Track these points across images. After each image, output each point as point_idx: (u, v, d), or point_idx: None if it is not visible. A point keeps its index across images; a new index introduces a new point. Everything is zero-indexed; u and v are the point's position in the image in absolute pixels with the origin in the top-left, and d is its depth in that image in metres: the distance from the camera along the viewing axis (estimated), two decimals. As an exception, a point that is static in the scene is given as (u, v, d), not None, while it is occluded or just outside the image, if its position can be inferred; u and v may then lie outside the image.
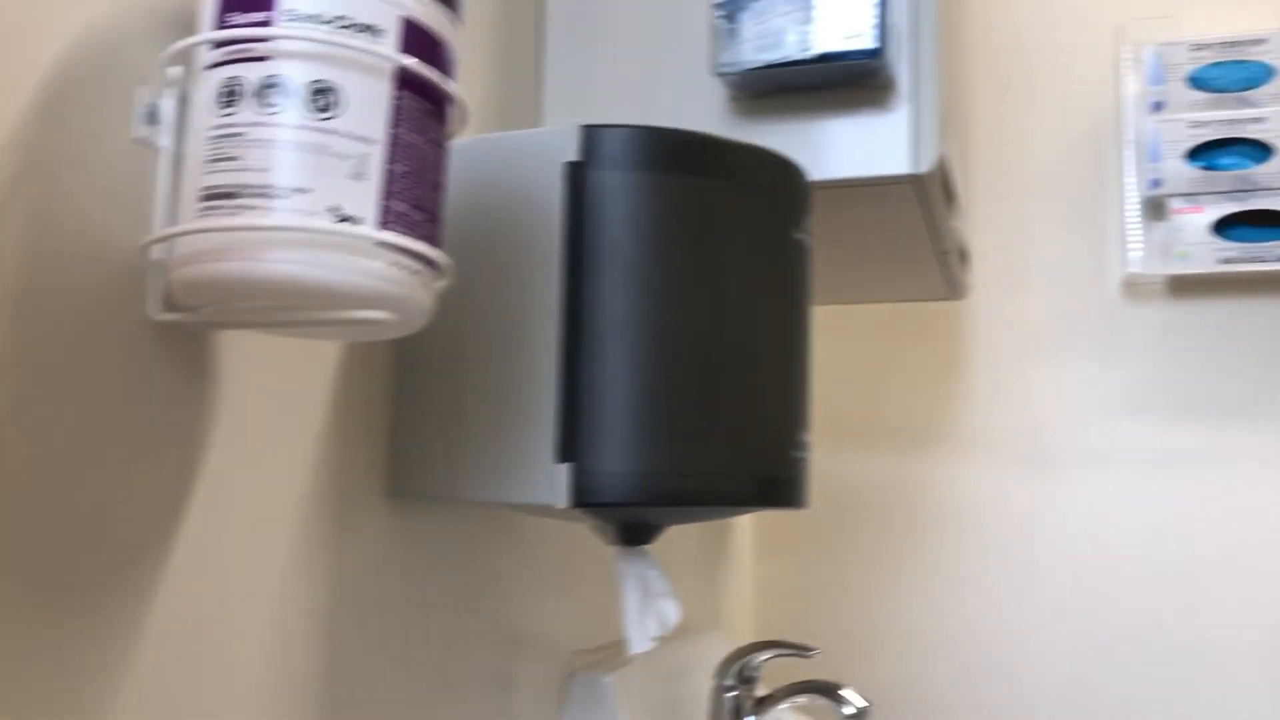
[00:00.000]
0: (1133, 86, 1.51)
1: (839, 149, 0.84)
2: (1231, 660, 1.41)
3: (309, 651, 0.63)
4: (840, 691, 1.06)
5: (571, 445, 0.64)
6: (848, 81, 0.81)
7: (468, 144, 0.69)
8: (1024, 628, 1.49)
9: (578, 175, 0.66)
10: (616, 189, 0.65)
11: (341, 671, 0.66)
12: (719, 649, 1.28)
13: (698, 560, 1.37)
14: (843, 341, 1.63)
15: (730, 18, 0.82)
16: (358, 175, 0.46)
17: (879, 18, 0.77)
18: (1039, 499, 1.51)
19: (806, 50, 0.77)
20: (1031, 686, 1.48)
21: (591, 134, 0.66)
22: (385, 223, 0.46)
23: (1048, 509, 1.50)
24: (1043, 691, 1.48)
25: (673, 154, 0.66)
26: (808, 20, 0.78)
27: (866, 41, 0.77)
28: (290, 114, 0.45)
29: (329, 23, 0.46)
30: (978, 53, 1.61)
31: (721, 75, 0.82)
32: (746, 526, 1.62)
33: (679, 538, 1.28)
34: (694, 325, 0.65)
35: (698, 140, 0.67)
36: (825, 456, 1.61)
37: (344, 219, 0.45)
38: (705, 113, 0.87)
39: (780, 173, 0.71)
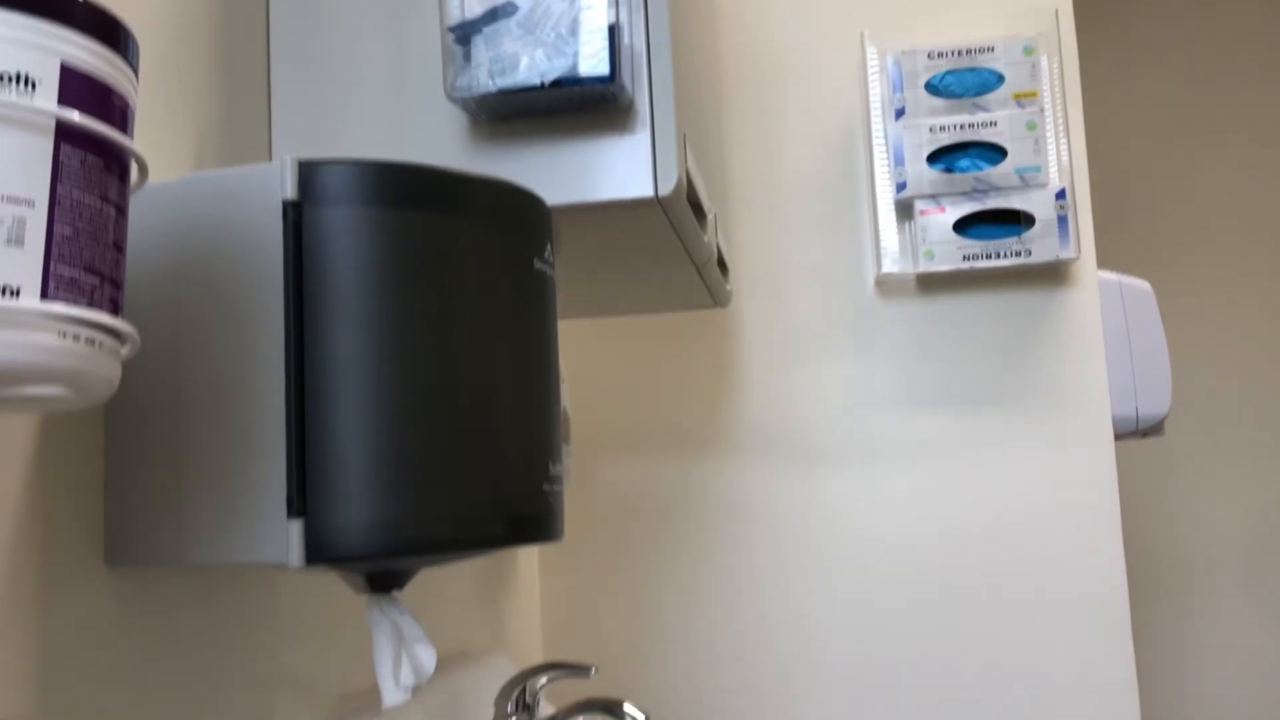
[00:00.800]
0: (878, 93, 1.57)
1: (583, 172, 0.83)
2: (993, 634, 1.49)
3: (18, 745, 0.58)
4: (623, 707, 1.06)
5: (302, 499, 0.60)
6: (585, 106, 0.81)
7: (177, 183, 0.65)
8: (806, 621, 1.54)
9: (296, 214, 0.62)
10: (338, 227, 0.62)
11: (61, 761, 0.61)
12: (504, 672, 1.26)
13: (480, 579, 1.35)
14: (614, 352, 1.64)
15: (464, 41, 0.80)
16: (14, 240, 0.41)
17: (609, 43, 0.77)
18: (812, 493, 1.56)
19: (539, 76, 0.76)
20: (818, 681, 1.53)
21: (309, 170, 0.63)
22: (50, 291, 0.42)
23: (820, 502, 1.55)
24: (831, 685, 1.53)
25: (397, 188, 0.64)
26: (539, 45, 0.77)
27: (599, 67, 0.76)
28: (-71, 176, 0.40)
29: (-28, 73, 0.41)
30: (731, 62, 1.64)
31: (456, 100, 0.80)
32: (531, 541, 1.61)
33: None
34: (429, 365, 0.63)
35: (424, 173, 0.65)
36: (606, 466, 1.62)
37: (-1, 290, 0.41)
38: (448, 138, 0.85)
39: (516, 203, 0.70)
